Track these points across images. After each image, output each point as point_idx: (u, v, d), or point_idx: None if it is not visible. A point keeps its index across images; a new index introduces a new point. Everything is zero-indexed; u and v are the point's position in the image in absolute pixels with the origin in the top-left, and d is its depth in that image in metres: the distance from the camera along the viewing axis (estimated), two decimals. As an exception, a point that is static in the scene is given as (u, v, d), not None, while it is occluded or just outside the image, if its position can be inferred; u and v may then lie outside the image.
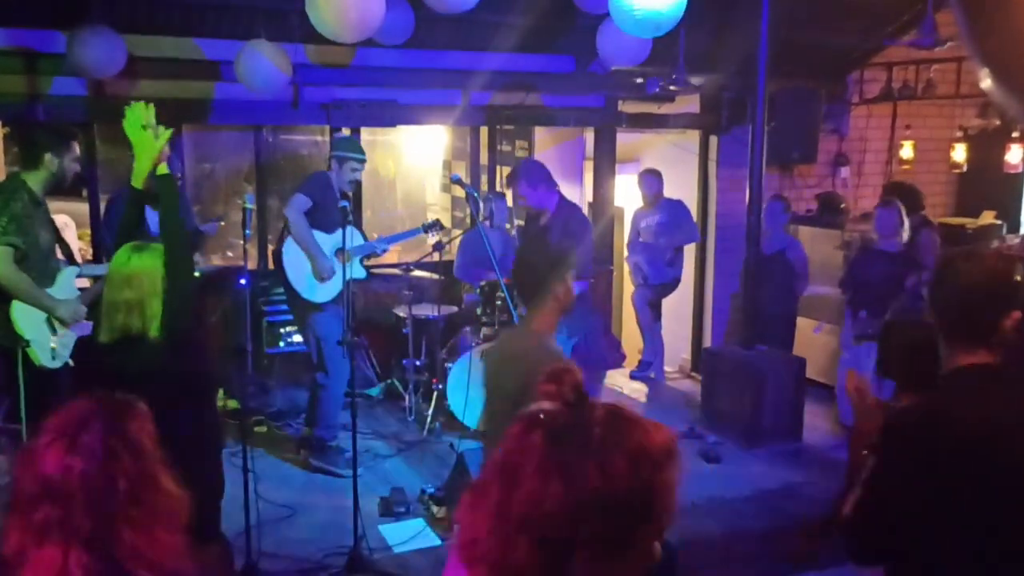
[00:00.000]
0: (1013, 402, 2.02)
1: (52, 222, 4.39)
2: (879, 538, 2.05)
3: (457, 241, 6.75)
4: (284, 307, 6.20)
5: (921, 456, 2.00)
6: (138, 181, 3.12)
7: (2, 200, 4.06)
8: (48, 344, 4.12)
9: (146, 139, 3.13)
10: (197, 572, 1.68)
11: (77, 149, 4.41)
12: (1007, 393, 2.04)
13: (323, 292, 5.32)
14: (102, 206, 5.88)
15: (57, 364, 4.16)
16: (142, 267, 2.87)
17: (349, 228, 4.77)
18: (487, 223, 6.25)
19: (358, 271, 5.50)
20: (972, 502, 1.94)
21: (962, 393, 2.06)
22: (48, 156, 4.24)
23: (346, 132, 6.74)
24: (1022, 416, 1.99)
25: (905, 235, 6.01)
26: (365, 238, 5.79)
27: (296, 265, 5.26)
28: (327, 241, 5.31)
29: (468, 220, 7.23)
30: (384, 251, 5.83)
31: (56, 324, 4.17)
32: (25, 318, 4.05)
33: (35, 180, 4.21)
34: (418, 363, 6.39)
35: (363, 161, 5.47)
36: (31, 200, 4.17)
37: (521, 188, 5.40)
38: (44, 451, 1.56)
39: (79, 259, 4.61)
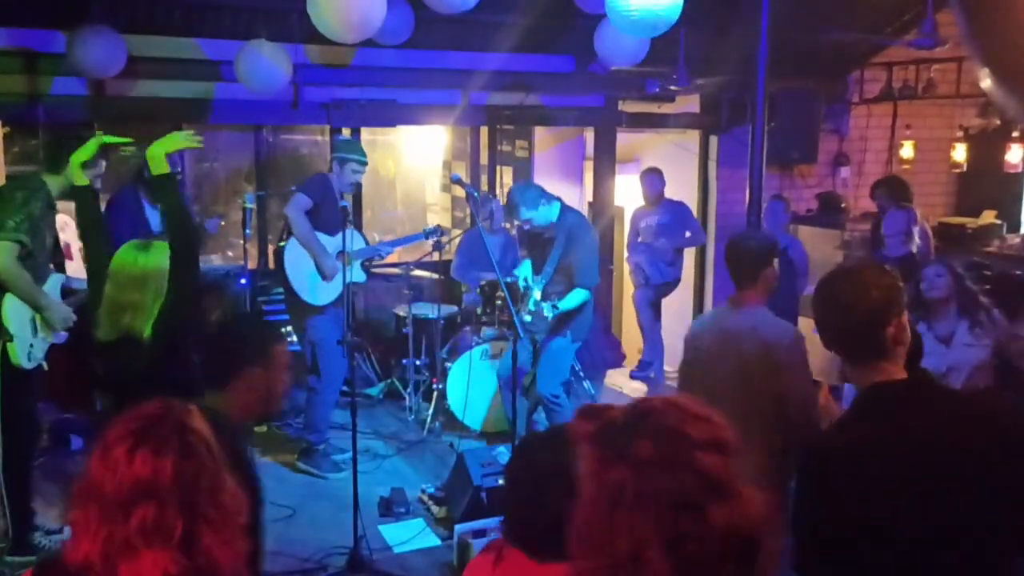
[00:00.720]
0: (926, 416, 1.93)
1: (55, 226, 4.41)
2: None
3: (457, 241, 6.75)
4: (283, 306, 6.20)
5: (840, 487, 1.92)
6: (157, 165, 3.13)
7: (23, 197, 4.07)
8: (28, 342, 4.13)
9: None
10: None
11: (103, 165, 4.38)
12: (920, 407, 1.96)
13: (322, 295, 5.31)
14: (102, 206, 5.87)
15: (31, 365, 4.16)
16: (150, 266, 2.85)
17: (349, 230, 4.78)
18: (487, 224, 6.25)
19: (358, 274, 5.49)
20: (899, 526, 1.86)
21: (875, 414, 1.98)
22: (75, 169, 4.21)
23: (347, 133, 6.75)
24: (937, 430, 1.91)
25: (915, 245, 5.86)
26: (366, 241, 5.79)
27: (297, 266, 5.25)
28: (329, 243, 5.30)
29: (468, 220, 7.23)
30: (388, 253, 5.81)
31: (39, 326, 4.17)
32: (14, 313, 4.06)
33: (54, 184, 4.22)
34: (418, 363, 6.40)
35: (364, 163, 5.44)
36: (48, 203, 4.18)
37: (522, 214, 5.19)
38: (130, 454, 1.53)
39: (75, 259, 4.62)
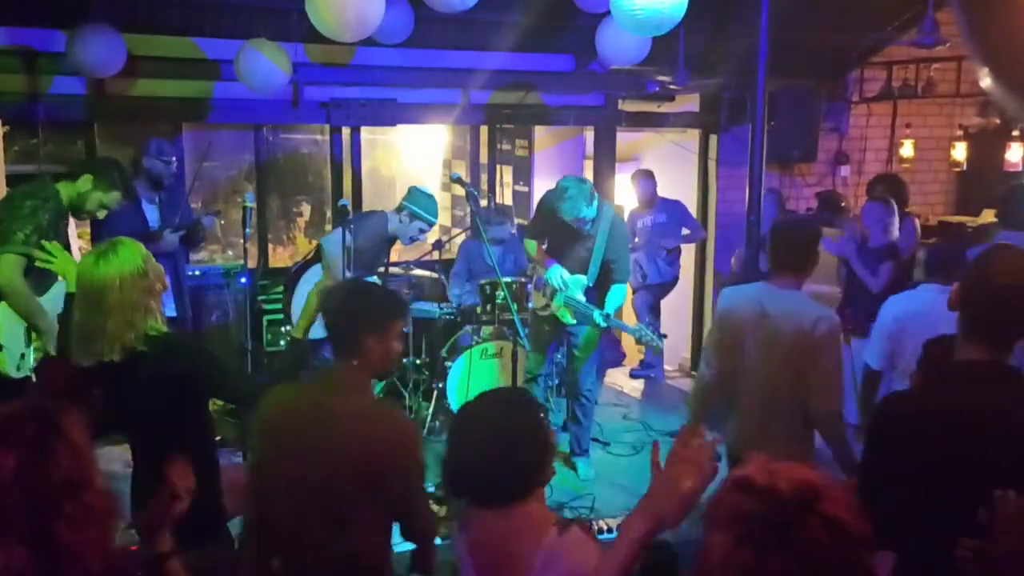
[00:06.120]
0: (997, 400, 2.02)
1: (67, 233, 4.37)
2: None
3: (457, 240, 6.75)
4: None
5: (902, 448, 2.03)
6: (298, 332, 3.00)
7: (32, 206, 3.98)
8: (19, 353, 4.05)
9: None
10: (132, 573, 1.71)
11: (115, 200, 4.30)
12: (996, 391, 2.05)
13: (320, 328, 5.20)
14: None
15: (21, 375, 4.08)
16: (108, 277, 2.65)
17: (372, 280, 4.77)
18: (497, 229, 6.25)
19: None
20: (947, 492, 1.98)
21: (954, 389, 2.09)
22: (87, 177, 4.20)
23: (347, 133, 6.73)
24: (1001, 415, 2.00)
25: (895, 232, 5.88)
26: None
27: (305, 296, 5.15)
28: None
29: (468, 219, 7.24)
30: None
31: (34, 337, 4.11)
32: (6, 323, 3.99)
33: (65, 191, 4.17)
34: (418, 362, 6.39)
35: (433, 225, 5.37)
36: (58, 210, 4.11)
37: (582, 211, 4.99)
38: None
39: (78, 258, 4.57)
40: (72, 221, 5.91)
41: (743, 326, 3.55)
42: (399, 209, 5.28)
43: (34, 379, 4.17)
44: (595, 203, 5.06)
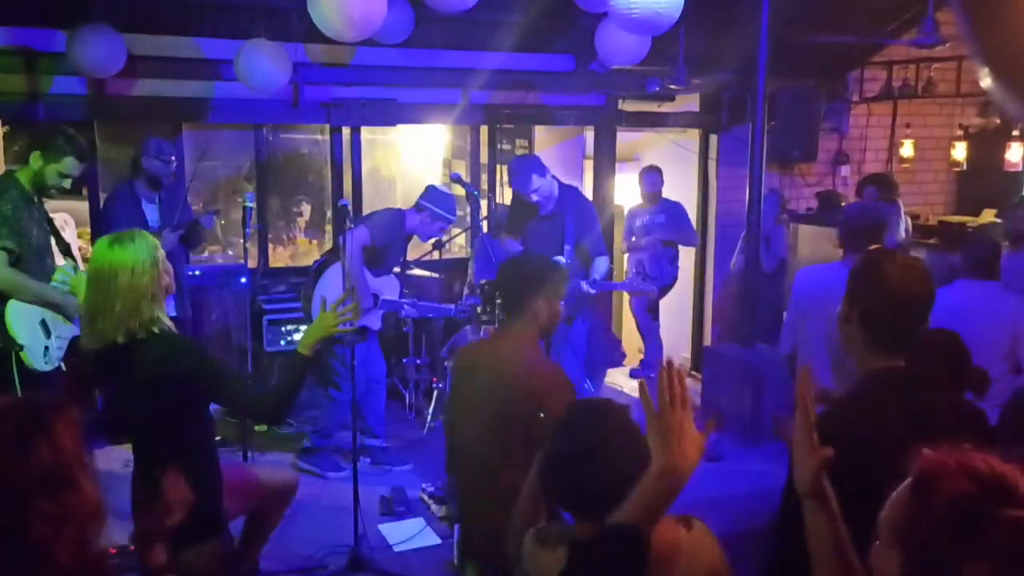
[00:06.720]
0: (905, 407, 2.02)
1: (49, 220, 4.36)
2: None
3: (460, 240, 6.75)
4: (284, 305, 6.20)
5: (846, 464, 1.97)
6: (304, 348, 2.95)
7: None
8: (42, 347, 4.08)
9: (327, 317, 2.96)
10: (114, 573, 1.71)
11: (71, 166, 4.19)
12: (905, 398, 2.05)
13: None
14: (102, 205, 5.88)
15: (49, 367, 4.11)
16: (122, 262, 2.70)
17: (389, 277, 4.94)
18: (485, 222, 6.25)
19: (373, 321, 5.32)
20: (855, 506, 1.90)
21: (867, 399, 2.09)
22: (35, 154, 4.16)
23: (347, 133, 6.72)
24: (911, 423, 1.97)
25: (899, 237, 5.89)
26: (402, 290, 5.52)
27: (331, 293, 5.14)
28: (370, 281, 5.16)
29: (468, 219, 7.23)
30: (411, 315, 5.57)
31: (51, 326, 4.14)
32: (20, 322, 4.00)
33: (24, 176, 4.18)
34: (419, 362, 6.39)
35: (452, 223, 5.39)
36: (21, 197, 4.09)
37: (534, 181, 5.20)
38: None
39: (78, 257, 4.57)
40: (72, 221, 5.93)
41: (806, 303, 3.84)
42: (419, 209, 5.29)
43: (64, 368, 4.19)
44: (548, 175, 5.27)
